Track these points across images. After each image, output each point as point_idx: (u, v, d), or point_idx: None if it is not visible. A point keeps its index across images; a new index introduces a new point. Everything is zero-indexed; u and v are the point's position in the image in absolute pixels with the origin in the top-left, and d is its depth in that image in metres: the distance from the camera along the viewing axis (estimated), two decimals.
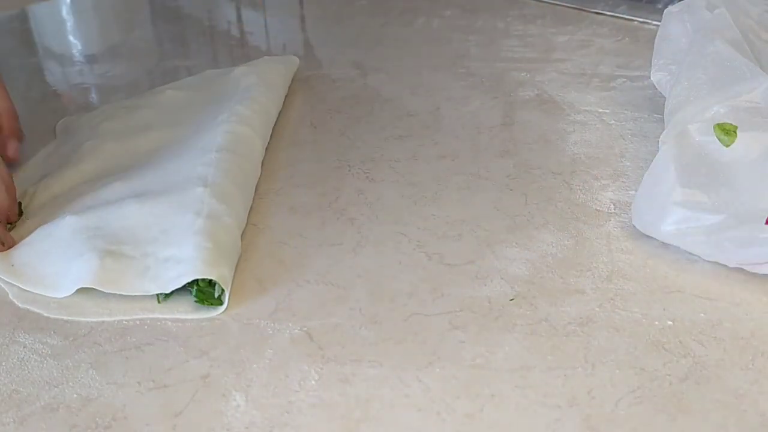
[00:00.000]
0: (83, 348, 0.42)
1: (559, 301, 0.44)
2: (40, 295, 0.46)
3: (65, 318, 0.44)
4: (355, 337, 0.41)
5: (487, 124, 0.68)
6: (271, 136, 0.66)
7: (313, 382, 0.38)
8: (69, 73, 0.89)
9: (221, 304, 0.44)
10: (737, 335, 0.40)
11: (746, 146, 0.47)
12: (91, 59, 0.94)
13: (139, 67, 0.90)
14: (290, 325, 0.43)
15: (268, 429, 0.36)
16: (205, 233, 0.46)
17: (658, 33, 0.66)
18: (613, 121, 0.67)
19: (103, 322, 0.44)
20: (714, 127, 0.49)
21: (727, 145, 0.48)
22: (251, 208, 0.55)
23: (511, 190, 0.56)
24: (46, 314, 0.45)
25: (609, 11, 0.98)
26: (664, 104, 0.56)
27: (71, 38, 1.06)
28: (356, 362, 0.40)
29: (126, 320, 0.44)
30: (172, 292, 0.44)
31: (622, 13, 0.97)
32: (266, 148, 0.63)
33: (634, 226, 0.50)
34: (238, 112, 0.62)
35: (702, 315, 0.42)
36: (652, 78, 0.65)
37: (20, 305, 0.45)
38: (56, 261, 0.47)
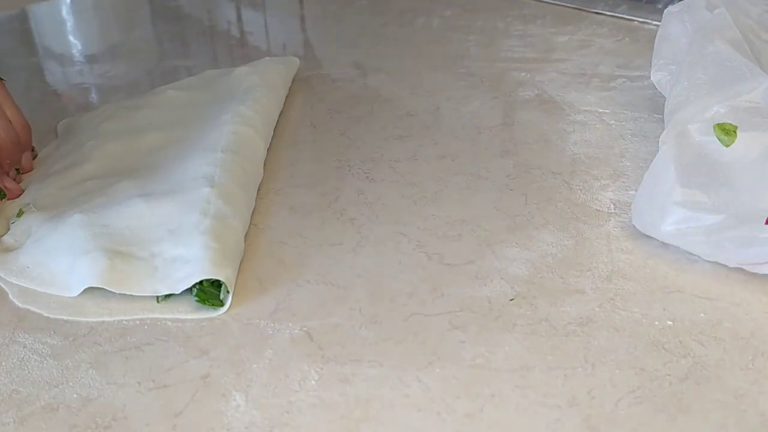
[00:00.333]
0: (83, 348, 0.42)
1: (559, 301, 0.44)
2: (40, 295, 0.46)
3: (65, 318, 0.44)
4: (355, 337, 0.41)
5: (487, 124, 0.68)
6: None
7: (313, 382, 0.38)
8: (69, 73, 0.89)
9: (222, 305, 0.44)
10: (737, 335, 0.40)
11: (746, 146, 0.47)
12: (91, 59, 0.94)
13: (139, 67, 0.90)
14: (290, 325, 0.43)
15: (268, 429, 0.36)
16: (212, 233, 0.46)
17: (658, 33, 0.66)
18: (613, 121, 0.67)
19: (103, 322, 0.44)
20: (714, 127, 0.49)
21: (727, 145, 0.48)
22: None
23: (511, 190, 0.56)
24: (46, 314, 0.45)
25: (609, 11, 0.98)
26: (664, 104, 0.56)
27: (71, 38, 1.06)
28: (356, 362, 0.40)
29: (126, 320, 0.44)
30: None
31: (622, 13, 0.97)
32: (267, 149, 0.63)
33: (634, 226, 0.50)
34: (240, 113, 0.62)
35: (702, 315, 0.42)
36: (652, 78, 0.65)
37: (20, 305, 0.45)
38: (65, 258, 0.47)
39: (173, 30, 1.07)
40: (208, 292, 0.44)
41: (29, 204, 0.54)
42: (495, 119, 0.69)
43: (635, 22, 0.94)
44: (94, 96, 0.82)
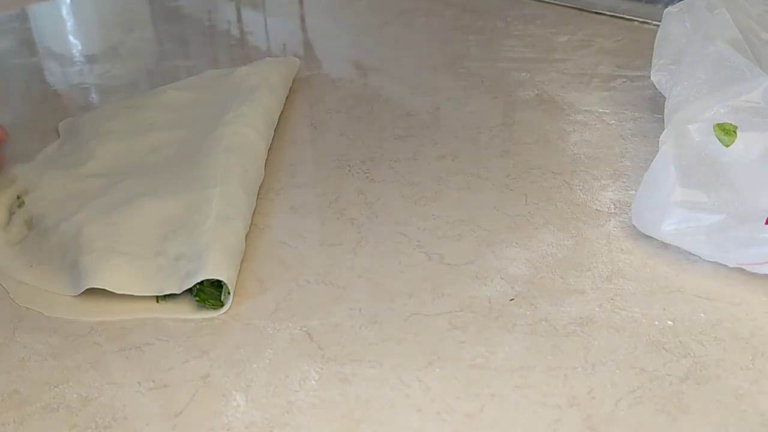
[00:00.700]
0: (83, 348, 0.42)
1: (559, 301, 0.44)
2: (40, 294, 0.46)
3: (65, 318, 0.44)
4: (355, 337, 0.41)
5: (487, 124, 0.68)
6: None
7: (313, 382, 0.38)
8: (69, 73, 0.89)
9: (222, 305, 0.44)
10: (737, 335, 0.40)
11: (746, 146, 0.47)
12: (91, 59, 0.94)
13: (139, 67, 0.90)
14: (290, 325, 0.43)
15: (268, 429, 0.36)
16: (215, 234, 0.46)
17: (658, 33, 0.66)
18: (613, 121, 0.67)
19: (103, 322, 0.44)
20: (714, 127, 0.49)
21: (727, 145, 0.48)
22: None
23: (511, 190, 0.56)
24: (46, 314, 0.45)
25: (609, 11, 0.98)
26: (664, 104, 0.56)
27: (71, 38, 1.06)
28: (356, 362, 0.40)
29: (126, 320, 0.44)
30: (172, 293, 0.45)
31: (622, 13, 0.97)
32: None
33: (634, 226, 0.50)
34: (242, 113, 0.62)
35: (702, 315, 0.42)
36: (652, 78, 0.65)
37: (20, 305, 0.45)
38: (67, 257, 0.47)
39: (173, 30, 1.07)
40: (209, 292, 0.44)
41: (27, 191, 0.54)
42: (495, 119, 0.69)
43: (635, 22, 0.94)
44: (94, 96, 0.82)
